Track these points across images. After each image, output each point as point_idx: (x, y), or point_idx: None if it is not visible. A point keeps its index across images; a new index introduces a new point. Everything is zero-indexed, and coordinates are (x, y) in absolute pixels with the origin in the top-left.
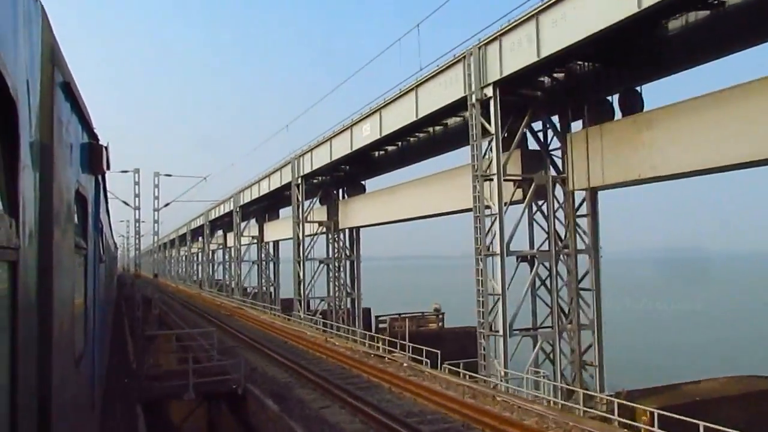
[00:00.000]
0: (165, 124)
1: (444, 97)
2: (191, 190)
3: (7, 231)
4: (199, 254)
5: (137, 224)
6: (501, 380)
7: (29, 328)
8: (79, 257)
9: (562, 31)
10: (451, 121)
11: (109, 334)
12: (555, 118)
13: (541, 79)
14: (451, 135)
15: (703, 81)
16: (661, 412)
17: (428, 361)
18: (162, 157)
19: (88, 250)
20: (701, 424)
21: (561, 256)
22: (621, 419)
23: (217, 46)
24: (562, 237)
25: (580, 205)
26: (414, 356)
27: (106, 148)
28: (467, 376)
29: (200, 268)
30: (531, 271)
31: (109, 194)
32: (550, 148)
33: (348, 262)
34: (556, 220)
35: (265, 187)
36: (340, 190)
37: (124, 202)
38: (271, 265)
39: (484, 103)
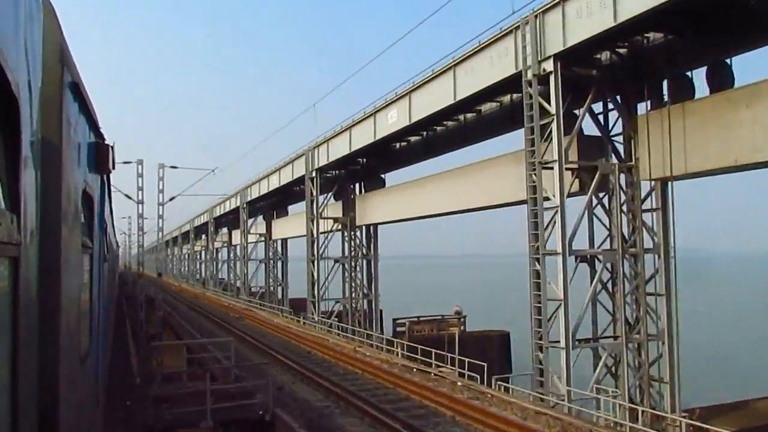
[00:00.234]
0: (165, 125)
1: (490, 75)
2: (197, 184)
3: (9, 227)
4: (203, 252)
5: (140, 219)
6: (563, 400)
7: (31, 325)
8: (85, 256)
9: None
10: (486, 107)
11: (112, 333)
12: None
13: (597, 56)
14: (486, 122)
15: None
16: None
17: (477, 375)
18: (164, 157)
19: (94, 249)
20: None
21: (626, 256)
22: None
23: (218, 45)
24: (626, 234)
25: (646, 197)
26: (462, 370)
27: (112, 147)
28: (530, 396)
29: (203, 266)
30: (591, 273)
31: (111, 188)
32: (611, 132)
33: (364, 261)
34: (621, 215)
35: (275, 182)
36: (357, 185)
37: (127, 196)
38: (279, 263)
39: (542, 80)
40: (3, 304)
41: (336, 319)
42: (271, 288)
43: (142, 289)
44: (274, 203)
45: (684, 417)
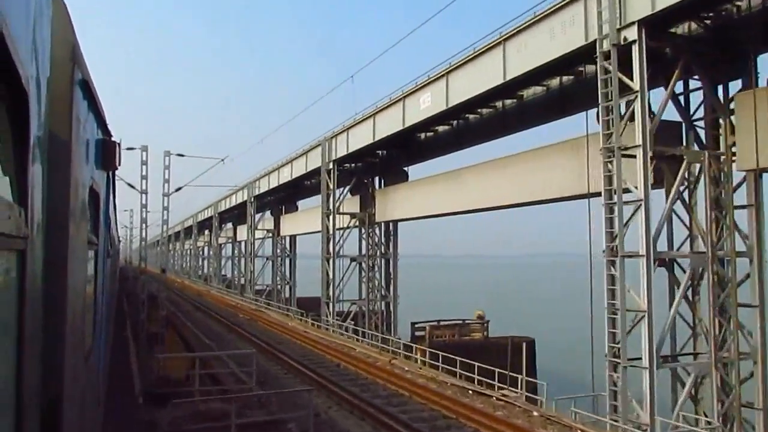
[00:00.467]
0: (165, 125)
1: (549, 49)
2: (203, 176)
3: (17, 219)
4: (206, 248)
5: (143, 210)
6: (645, 430)
7: (36, 318)
8: (90, 252)
9: None
10: (529, 92)
11: (113, 329)
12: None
13: (677, 28)
14: (529, 109)
15: None
16: None
17: (541, 399)
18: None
19: (99, 246)
20: None
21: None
22: None
23: (217, 44)
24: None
25: (734, 191)
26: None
27: (119, 144)
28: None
29: (206, 263)
30: (669, 279)
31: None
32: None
33: (383, 261)
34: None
35: (286, 175)
36: (375, 179)
37: (130, 185)
38: (287, 261)
39: (621, 51)
40: (10, 296)
41: (352, 322)
42: (279, 286)
43: (144, 286)
44: (283, 198)
45: None
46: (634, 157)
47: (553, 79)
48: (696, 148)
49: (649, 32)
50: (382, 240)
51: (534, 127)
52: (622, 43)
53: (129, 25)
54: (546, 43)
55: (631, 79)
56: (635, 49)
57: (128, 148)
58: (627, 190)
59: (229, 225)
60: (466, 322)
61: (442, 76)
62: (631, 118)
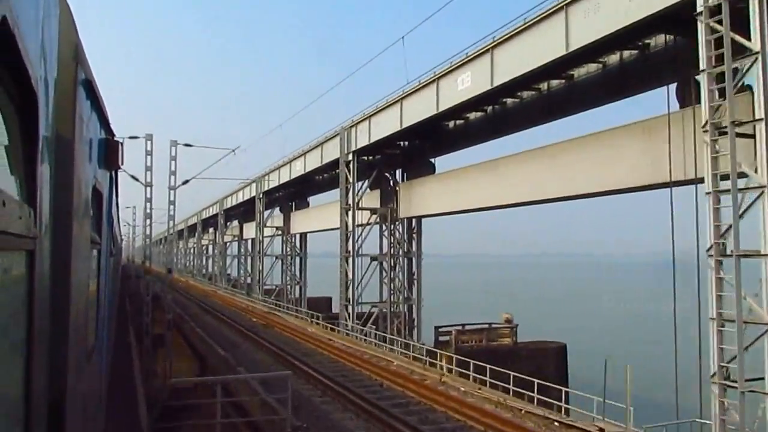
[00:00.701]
0: (165, 126)
1: (629, 11)
2: (211, 169)
3: (27, 220)
4: (210, 247)
5: (148, 205)
6: None
7: (43, 317)
8: (93, 251)
9: None
10: (581, 71)
11: (114, 329)
12: None
13: None
14: (580, 90)
15: None
16: None
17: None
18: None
19: (102, 245)
20: None
21: None
22: None
23: (218, 44)
24: None
25: None
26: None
27: (121, 144)
28: None
29: (211, 261)
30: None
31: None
32: None
33: (405, 260)
34: None
35: (299, 168)
36: (398, 171)
37: (133, 177)
38: (297, 260)
39: (713, 12)
40: (20, 296)
41: (373, 326)
42: (288, 286)
43: (148, 286)
44: (293, 194)
45: None
46: (749, 136)
47: (611, 54)
48: None
49: None
50: (405, 237)
51: (584, 111)
52: None
53: (129, 25)
54: (624, 3)
55: (747, 38)
56: (754, 2)
57: (131, 137)
58: (742, 174)
59: (235, 222)
60: (493, 326)
61: (486, 51)
62: (740, 89)
